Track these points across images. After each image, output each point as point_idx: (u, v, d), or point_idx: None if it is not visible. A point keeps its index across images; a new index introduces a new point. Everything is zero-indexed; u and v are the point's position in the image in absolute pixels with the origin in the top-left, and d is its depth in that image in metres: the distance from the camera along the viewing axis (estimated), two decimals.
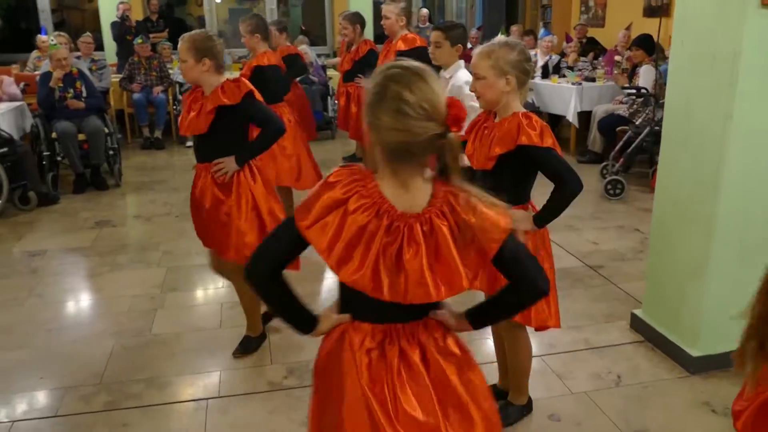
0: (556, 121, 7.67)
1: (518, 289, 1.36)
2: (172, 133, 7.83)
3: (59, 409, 2.62)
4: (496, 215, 1.27)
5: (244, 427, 2.50)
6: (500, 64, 2.09)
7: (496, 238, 1.27)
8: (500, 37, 2.23)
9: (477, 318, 1.44)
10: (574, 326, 3.21)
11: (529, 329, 2.37)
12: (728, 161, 2.56)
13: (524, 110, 2.17)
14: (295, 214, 1.30)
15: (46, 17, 9.77)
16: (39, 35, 7.89)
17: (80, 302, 3.65)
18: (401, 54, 4.16)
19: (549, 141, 2.11)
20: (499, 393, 2.60)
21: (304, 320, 1.43)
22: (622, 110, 6.12)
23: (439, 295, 1.27)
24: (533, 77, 7.36)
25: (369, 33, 9.34)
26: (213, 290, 3.72)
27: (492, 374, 2.63)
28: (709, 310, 2.74)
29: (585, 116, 6.91)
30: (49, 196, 5.35)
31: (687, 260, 2.80)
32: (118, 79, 7.69)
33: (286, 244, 1.33)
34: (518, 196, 2.24)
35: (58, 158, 5.66)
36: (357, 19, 5.25)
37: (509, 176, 2.20)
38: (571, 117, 6.78)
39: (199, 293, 3.72)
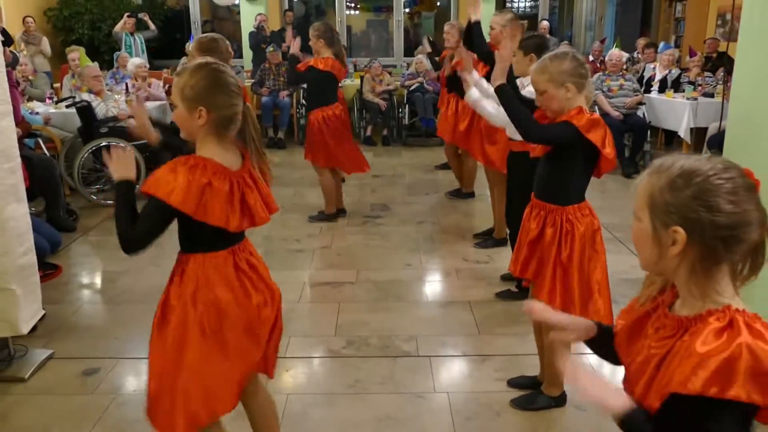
0: (672, 137, 7.46)
1: None
2: (294, 134, 8.49)
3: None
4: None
5: (298, 383, 2.87)
6: (556, 77, 2.25)
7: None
8: (552, 51, 2.38)
9: None
10: None
11: None
12: None
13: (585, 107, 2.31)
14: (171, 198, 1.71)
15: (197, 27, 10.92)
16: (188, 43, 8.88)
17: None
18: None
19: (595, 135, 2.22)
20: (536, 384, 2.75)
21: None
22: None
23: (267, 218, 1.87)
24: (651, 87, 7.23)
25: None
26: (299, 272, 4.14)
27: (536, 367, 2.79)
28: None
29: (703, 133, 6.68)
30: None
31: None
32: (250, 84, 8.47)
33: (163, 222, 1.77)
34: (572, 189, 2.39)
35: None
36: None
37: (562, 167, 2.36)
38: (683, 133, 6.59)
39: (286, 273, 4.14)
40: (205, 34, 3.54)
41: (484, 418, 2.59)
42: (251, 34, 9.27)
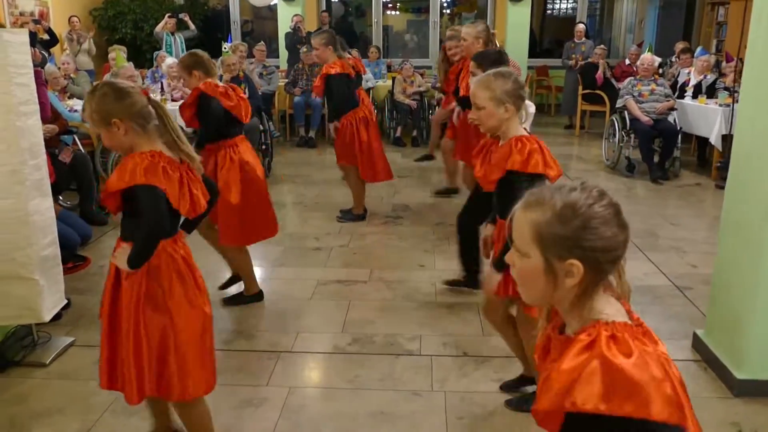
0: (705, 144, 7.32)
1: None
2: (324, 133, 8.63)
3: None
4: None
5: (301, 377, 2.97)
6: (498, 95, 2.30)
7: None
8: (495, 69, 2.41)
9: None
10: None
11: None
12: None
13: (522, 134, 2.35)
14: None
15: (236, 27, 11.17)
16: (224, 43, 9.10)
17: (210, 265, 4.35)
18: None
19: (538, 168, 2.26)
20: (529, 380, 2.78)
21: None
22: None
23: (204, 207, 2.10)
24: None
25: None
26: (314, 269, 4.25)
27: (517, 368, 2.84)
28: (760, 335, 2.71)
29: None
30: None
31: (741, 282, 2.78)
32: (284, 83, 8.64)
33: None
34: None
35: None
36: None
37: (511, 195, 2.39)
38: (714, 140, 6.46)
39: (301, 270, 4.26)
40: (186, 53, 3.67)
41: (477, 417, 2.64)
42: (287, 34, 9.44)
